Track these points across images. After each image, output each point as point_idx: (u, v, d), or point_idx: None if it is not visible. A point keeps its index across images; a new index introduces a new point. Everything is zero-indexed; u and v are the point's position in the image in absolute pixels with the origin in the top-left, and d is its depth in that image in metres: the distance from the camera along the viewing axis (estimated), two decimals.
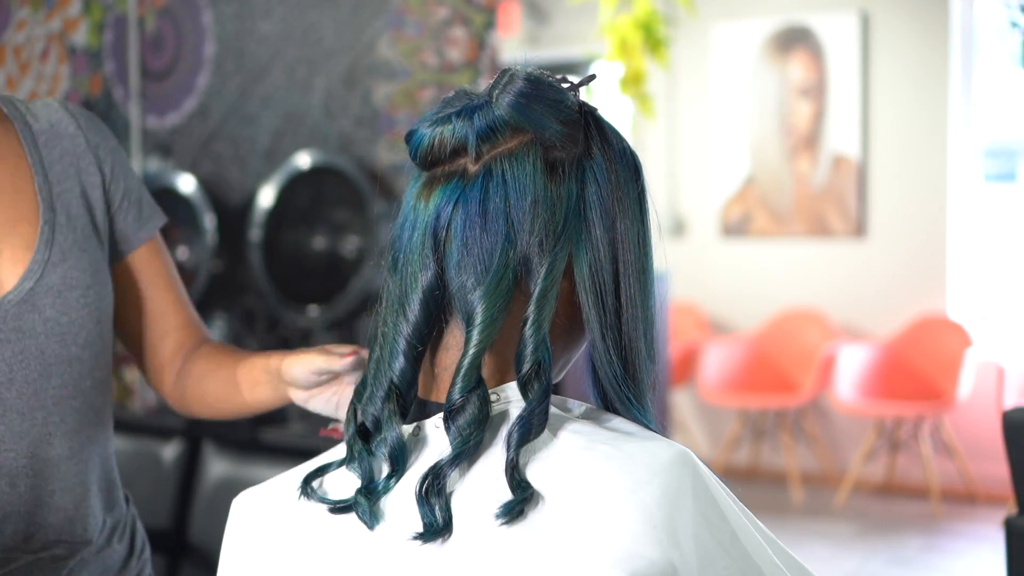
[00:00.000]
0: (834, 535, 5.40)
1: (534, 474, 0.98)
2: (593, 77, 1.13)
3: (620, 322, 1.05)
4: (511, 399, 1.03)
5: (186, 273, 3.94)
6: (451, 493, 0.99)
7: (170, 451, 3.25)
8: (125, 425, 3.56)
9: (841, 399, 5.83)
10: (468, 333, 1.02)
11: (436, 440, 1.03)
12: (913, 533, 5.46)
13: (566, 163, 1.05)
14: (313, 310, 3.71)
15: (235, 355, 1.56)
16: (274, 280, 3.75)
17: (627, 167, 1.08)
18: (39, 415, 1.42)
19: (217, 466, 3.15)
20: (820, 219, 6.40)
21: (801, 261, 6.48)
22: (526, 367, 1.01)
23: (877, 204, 6.27)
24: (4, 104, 1.48)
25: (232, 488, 2.62)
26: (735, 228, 6.64)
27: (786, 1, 6.45)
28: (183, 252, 3.98)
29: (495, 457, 1.00)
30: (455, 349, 1.05)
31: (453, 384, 1.00)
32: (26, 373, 1.41)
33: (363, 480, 1.04)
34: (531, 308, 1.02)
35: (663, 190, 6.67)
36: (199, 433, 3.31)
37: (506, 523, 0.95)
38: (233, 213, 3.93)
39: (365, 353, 1.34)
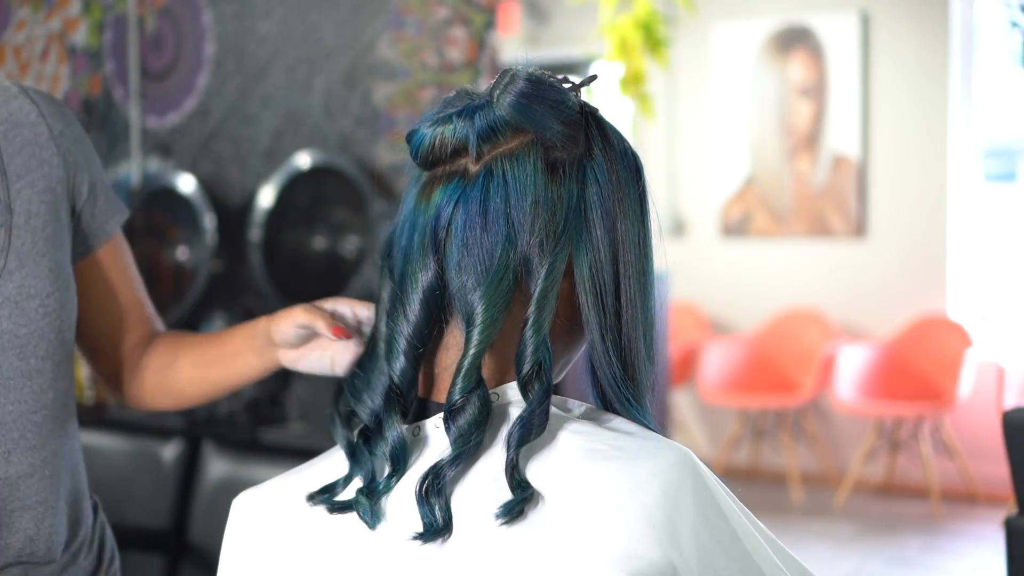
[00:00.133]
0: (834, 535, 5.40)
1: (534, 474, 0.98)
2: (594, 77, 1.13)
3: (620, 323, 1.05)
4: (511, 399, 1.03)
5: (186, 273, 3.94)
6: (451, 493, 0.99)
7: (170, 451, 3.25)
8: (125, 425, 3.56)
9: (841, 399, 5.83)
10: (468, 333, 1.02)
11: (436, 440, 1.03)
12: (913, 533, 5.46)
13: (567, 163, 1.05)
14: None
15: (202, 336, 1.50)
16: (274, 280, 3.75)
17: (628, 168, 1.08)
18: None
19: (217, 466, 3.15)
20: (820, 219, 6.40)
21: (801, 261, 6.48)
22: (526, 367, 1.01)
23: (877, 204, 6.27)
24: None
25: (232, 488, 2.62)
26: (735, 228, 6.64)
27: (786, 1, 6.45)
28: (183, 252, 3.98)
29: (495, 457, 1.00)
30: (455, 349, 1.05)
31: (453, 384, 1.01)
32: None
33: (364, 480, 1.04)
34: (531, 309, 1.02)
35: (663, 190, 6.67)
36: (199, 433, 3.31)
37: (506, 523, 0.95)
38: (233, 213, 3.92)
39: (352, 339, 1.32)
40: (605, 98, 5.95)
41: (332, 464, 1.10)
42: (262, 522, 1.11)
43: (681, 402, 6.70)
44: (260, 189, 3.84)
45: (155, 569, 3.14)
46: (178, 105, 4.05)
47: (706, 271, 6.69)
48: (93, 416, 3.87)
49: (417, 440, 1.05)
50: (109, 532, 1.53)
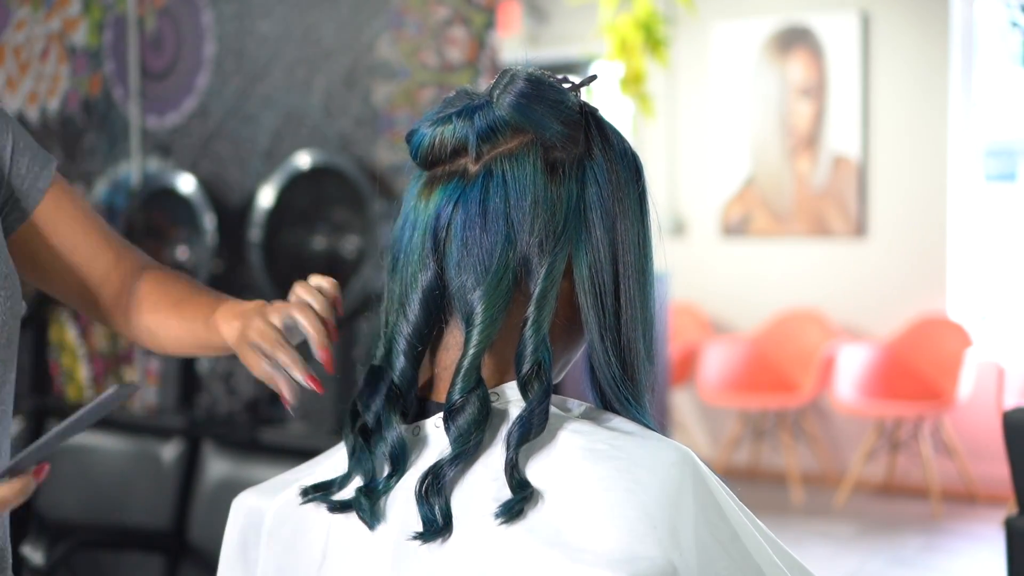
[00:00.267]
0: (834, 535, 5.40)
1: (534, 473, 0.98)
2: (594, 77, 1.13)
3: (619, 323, 1.05)
4: (511, 399, 1.03)
5: (186, 273, 3.94)
6: (451, 493, 0.99)
7: (170, 451, 3.25)
8: (125, 425, 3.56)
9: (841, 399, 5.83)
10: (468, 333, 1.02)
11: (436, 440, 1.03)
12: (913, 533, 5.46)
13: (566, 164, 1.05)
14: None
15: (191, 295, 1.38)
16: (274, 280, 3.75)
17: (628, 168, 1.08)
18: None
19: (217, 466, 3.15)
20: (820, 219, 6.40)
21: (801, 261, 6.48)
22: (526, 367, 1.01)
23: (877, 204, 6.27)
24: None
25: (232, 488, 2.62)
26: (735, 228, 6.64)
27: (786, 1, 6.45)
28: (183, 252, 3.98)
29: (495, 457, 1.00)
30: (455, 349, 1.05)
31: (453, 384, 1.01)
32: None
33: (364, 479, 1.04)
34: (531, 308, 1.02)
35: (663, 190, 6.67)
36: (199, 433, 3.31)
37: (505, 522, 0.95)
38: (233, 213, 3.93)
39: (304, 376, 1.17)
40: (605, 98, 5.95)
41: (333, 464, 1.10)
42: (262, 522, 1.11)
43: (681, 402, 6.70)
44: (260, 189, 3.84)
45: (155, 569, 3.14)
46: (178, 105, 4.05)
47: (706, 271, 6.69)
48: None
49: (417, 440, 1.05)
50: (6, 535, 1.35)
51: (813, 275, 6.44)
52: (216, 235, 3.88)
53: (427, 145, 1.06)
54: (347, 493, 1.05)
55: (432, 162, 1.07)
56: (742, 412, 6.41)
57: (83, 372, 4.15)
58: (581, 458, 0.98)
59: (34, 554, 2.89)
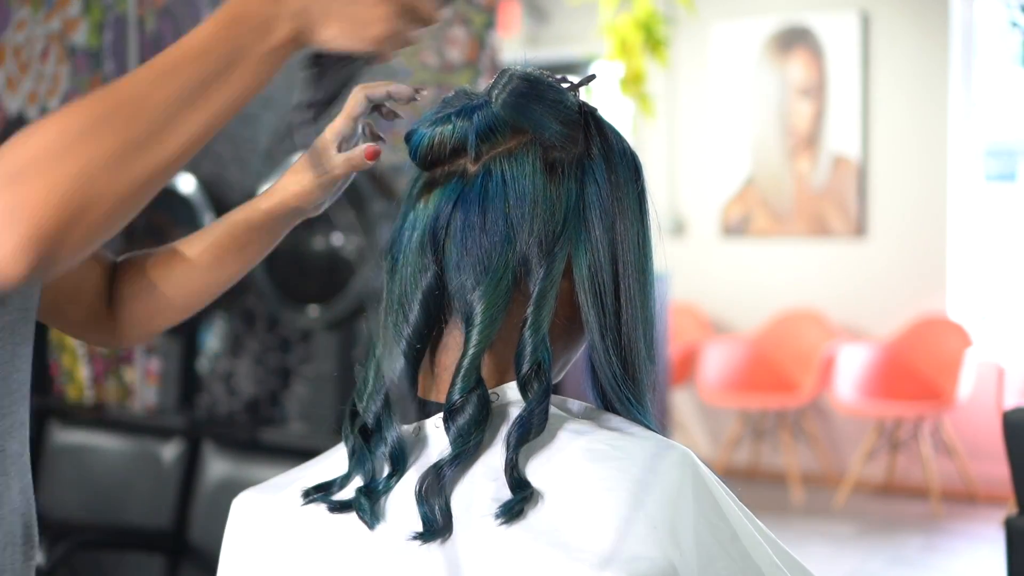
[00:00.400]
0: (834, 535, 5.40)
1: (534, 473, 0.98)
2: (593, 77, 1.13)
3: (620, 322, 1.05)
4: (511, 399, 1.03)
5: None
6: (451, 493, 0.99)
7: (170, 451, 3.25)
8: (125, 425, 3.56)
9: (841, 399, 5.83)
10: (467, 334, 1.02)
11: (436, 440, 1.03)
12: (913, 533, 5.46)
13: (566, 163, 1.05)
14: (313, 310, 3.71)
15: (185, 244, 1.31)
16: (274, 280, 3.75)
17: (627, 167, 1.08)
18: None
19: (217, 466, 3.15)
20: (820, 219, 6.40)
21: (801, 261, 6.47)
22: (526, 367, 1.01)
23: (877, 204, 6.27)
24: None
25: (232, 488, 2.63)
26: (735, 228, 6.64)
27: (786, 1, 6.45)
28: None
29: (495, 457, 1.00)
30: (455, 349, 1.05)
31: (453, 384, 1.01)
32: None
33: (364, 479, 1.04)
34: (530, 309, 1.02)
35: (663, 190, 6.67)
36: (199, 433, 3.31)
37: (505, 523, 0.95)
38: None
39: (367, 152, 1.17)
40: (605, 98, 5.95)
41: (332, 464, 1.10)
42: (262, 522, 1.11)
43: (681, 402, 6.70)
44: (260, 189, 3.83)
45: (155, 569, 3.14)
46: None
47: (706, 271, 6.69)
48: (93, 416, 3.87)
49: (417, 440, 1.05)
50: None
51: (813, 275, 6.44)
52: None
53: (426, 145, 1.06)
54: (347, 493, 1.05)
55: (431, 162, 1.07)
56: (742, 412, 6.41)
57: (83, 372, 4.15)
58: (581, 458, 0.98)
59: None
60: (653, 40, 5.83)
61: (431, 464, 1.00)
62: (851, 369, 5.91)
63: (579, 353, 1.11)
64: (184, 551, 3.12)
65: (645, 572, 0.91)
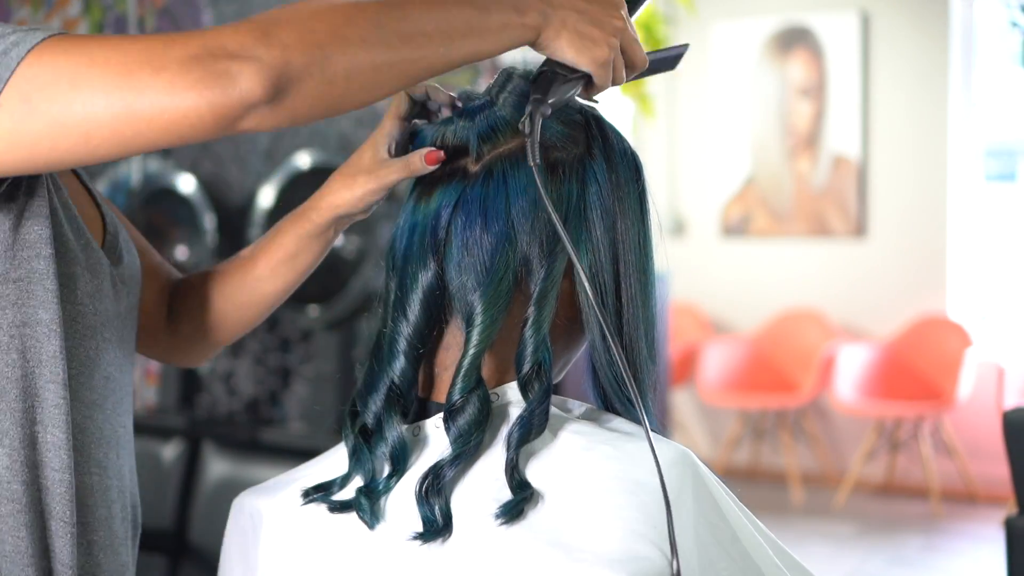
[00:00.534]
0: (834, 535, 5.40)
1: (534, 474, 0.98)
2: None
3: (621, 323, 1.05)
4: (511, 399, 1.03)
5: (186, 272, 3.94)
6: (451, 493, 0.99)
7: (170, 451, 3.25)
8: None
9: (841, 399, 5.83)
10: (468, 333, 1.02)
11: (436, 440, 1.03)
12: (913, 533, 5.46)
13: (566, 163, 1.05)
14: (313, 310, 3.71)
15: (229, 262, 1.31)
16: None
17: (628, 167, 1.08)
18: None
19: (217, 466, 3.15)
20: (820, 219, 6.40)
21: (801, 261, 6.47)
22: (526, 368, 1.01)
23: (877, 204, 6.27)
24: None
25: (232, 488, 2.62)
26: (735, 228, 6.64)
27: (786, 1, 6.45)
28: (183, 252, 3.98)
29: (495, 457, 1.00)
30: (455, 349, 1.05)
31: (453, 384, 1.01)
32: None
33: (364, 479, 1.04)
34: (531, 309, 1.02)
35: (663, 190, 6.67)
36: (199, 433, 3.31)
37: (506, 523, 0.95)
38: (233, 213, 3.92)
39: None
40: (605, 98, 5.96)
41: (333, 464, 1.10)
42: (262, 522, 1.11)
43: (681, 402, 6.70)
44: (260, 189, 3.84)
45: (155, 569, 3.14)
46: None
47: (706, 271, 6.69)
48: None
49: (417, 440, 1.05)
50: None
51: (813, 275, 6.44)
52: (216, 235, 3.88)
53: (428, 145, 1.07)
54: (347, 493, 1.05)
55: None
56: (742, 412, 6.41)
57: None
58: (581, 459, 0.98)
59: None
60: (653, 40, 5.83)
61: (432, 464, 1.00)
62: (851, 369, 5.91)
63: (580, 353, 1.11)
64: (184, 551, 3.12)
65: (644, 572, 0.91)
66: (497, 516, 0.95)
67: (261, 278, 1.27)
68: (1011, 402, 5.39)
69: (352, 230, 3.74)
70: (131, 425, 1.20)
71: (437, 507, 0.98)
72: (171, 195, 3.94)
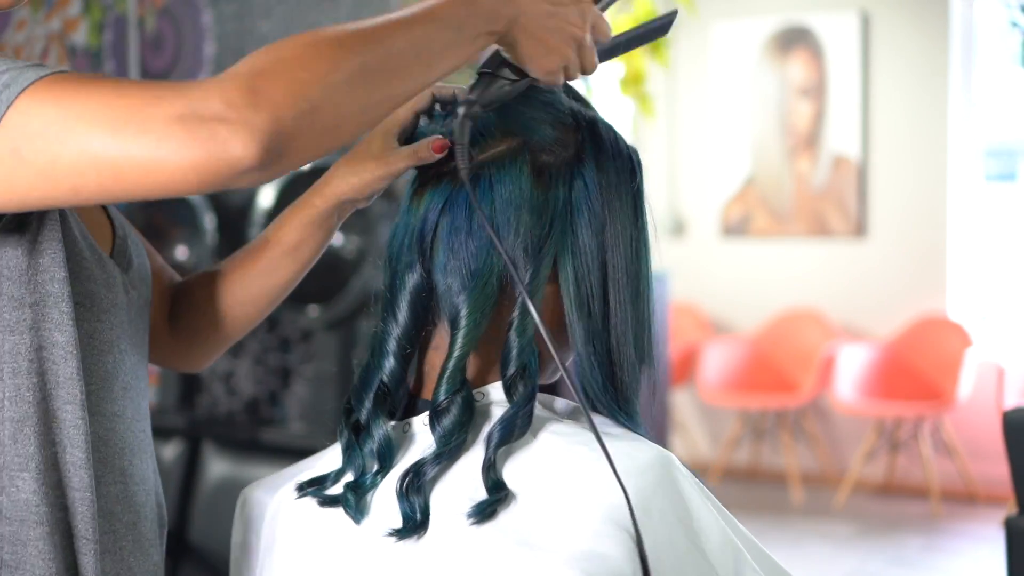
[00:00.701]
0: (834, 535, 5.41)
1: (511, 474, 0.99)
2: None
3: (608, 327, 1.05)
4: (495, 399, 1.04)
5: (186, 273, 3.95)
6: (432, 490, 1.00)
7: (170, 451, 3.26)
8: None
9: (841, 399, 5.83)
10: (452, 336, 1.03)
11: (423, 437, 1.04)
12: (913, 533, 5.46)
13: (555, 167, 1.05)
14: (313, 310, 3.71)
15: (227, 259, 1.31)
16: None
17: (623, 168, 1.07)
18: None
19: (217, 466, 3.15)
20: (820, 219, 6.40)
21: (801, 261, 6.48)
22: (511, 370, 1.01)
23: (877, 204, 6.27)
24: None
25: (232, 488, 2.62)
26: (735, 228, 6.64)
27: (786, 1, 6.45)
28: (183, 252, 3.98)
29: (476, 456, 1.01)
30: (443, 349, 1.06)
31: (438, 385, 1.01)
32: None
33: (354, 475, 1.05)
34: (515, 312, 1.02)
35: (663, 190, 6.67)
36: (199, 433, 3.31)
37: (477, 523, 0.96)
38: (233, 213, 3.93)
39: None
40: (605, 98, 5.95)
41: (333, 459, 1.11)
42: (264, 515, 1.13)
43: (681, 402, 6.70)
44: (260, 189, 3.84)
45: None
46: None
47: (706, 271, 6.69)
48: None
49: (406, 437, 1.06)
50: None
51: (813, 275, 6.45)
52: (216, 235, 3.88)
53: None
54: (339, 488, 1.07)
55: (424, 165, 1.08)
56: (742, 412, 6.41)
57: None
58: (558, 459, 0.99)
59: None
60: (654, 41, 5.83)
61: (414, 462, 1.01)
62: (851, 369, 5.91)
63: (573, 355, 1.11)
64: (184, 551, 3.12)
65: (601, 571, 0.91)
66: (469, 516, 0.96)
67: (260, 272, 1.26)
68: (1011, 402, 5.39)
69: (352, 230, 3.74)
70: (149, 427, 1.20)
71: (417, 504, 0.99)
72: None
